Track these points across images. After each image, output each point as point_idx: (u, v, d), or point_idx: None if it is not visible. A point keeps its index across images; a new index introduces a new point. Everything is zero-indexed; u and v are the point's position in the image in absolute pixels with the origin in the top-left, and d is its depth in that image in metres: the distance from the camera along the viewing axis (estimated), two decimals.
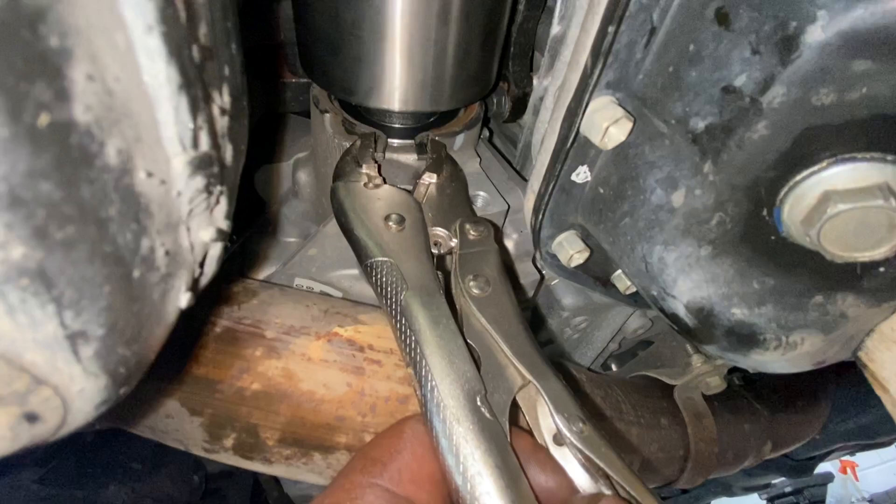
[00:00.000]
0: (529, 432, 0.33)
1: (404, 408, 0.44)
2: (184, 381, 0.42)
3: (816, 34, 0.26)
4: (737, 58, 0.29)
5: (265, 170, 0.67)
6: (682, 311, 0.40)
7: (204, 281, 0.27)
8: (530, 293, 0.62)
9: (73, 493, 0.86)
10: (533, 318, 0.67)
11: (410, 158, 0.53)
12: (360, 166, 0.47)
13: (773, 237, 0.34)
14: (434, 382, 0.31)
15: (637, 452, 0.61)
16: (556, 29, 0.48)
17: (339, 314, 0.47)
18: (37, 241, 0.17)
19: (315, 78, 0.54)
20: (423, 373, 0.31)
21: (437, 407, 0.30)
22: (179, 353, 0.42)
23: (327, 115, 0.54)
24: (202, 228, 0.24)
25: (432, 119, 0.57)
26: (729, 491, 1.44)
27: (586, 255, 0.47)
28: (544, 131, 0.45)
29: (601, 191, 0.43)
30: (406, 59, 0.47)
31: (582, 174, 0.43)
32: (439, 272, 0.40)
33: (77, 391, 0.19)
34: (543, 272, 0.60)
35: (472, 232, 0.44)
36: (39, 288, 0.17)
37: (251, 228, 0.66)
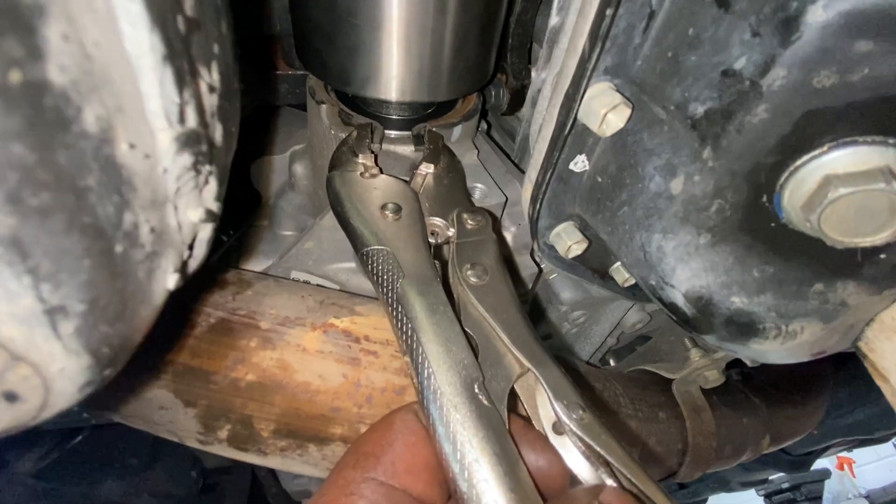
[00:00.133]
0: (528, 421, 0.33)
1: (400, 399, 0.43)
2: (178, 372, 0.42)
3: (818, 14, 0.26)
4: (736, 40, 0.29)
5: (261, 162, 0.67)
6: (680, 301, 0.39)
7: (193, 264, 0.27)
8: (528, 286, 0.62)
9: (69, 488, 0.86)
10: (531, 312, 0.67)
11: (407, 150, 0.53)
12: (357, 156, 0.47)
13: (772, 224, 0.34)
14: (431, 369, 0.31)
15: (636, 445, 0.61)
16: (554, 20, 0.47)
17: (335, 305, 0.47)
18: (9, 207, 0.16)
19: (311, 68, 0.54)
20: (420, 360, 0.31)
21: (434, 394, 0.30)
22: (173, 343, 0.42)
23: (323, 105, 0.54)
24: (190, 208, 0.23)
25: (430, 110, 0.57)
26: (727, 486, 1.44)
27: (584, 245, 0.47)
28: (542, 121, 0.45)
29: (599, 180, 0.42)
30: (403, 48, 0.46)
31: (580, 163, 0.42)
32: (436, 261, 0.39)
33: (58, 370, 0.19)
34: (542, 265, 0.60)
35: (469, 221, 0.43)
36: (13, 257, 0.17)
37: (247, 222, 0.66)
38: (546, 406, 0.32)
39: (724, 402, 0.74)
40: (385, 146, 0.52)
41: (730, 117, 0.31)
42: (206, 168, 0.23)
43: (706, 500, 1.61)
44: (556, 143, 0.41)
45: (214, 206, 0.25)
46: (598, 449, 0.29)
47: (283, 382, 0.42)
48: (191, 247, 0.25)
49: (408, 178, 0.48)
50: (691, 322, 0.40)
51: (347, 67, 0.49)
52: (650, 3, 0.33)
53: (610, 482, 0.29)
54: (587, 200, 0.45)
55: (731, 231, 0.36)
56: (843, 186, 0.28)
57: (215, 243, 0.28)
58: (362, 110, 0.55)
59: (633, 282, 0.49)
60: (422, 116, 0.56)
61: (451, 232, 0.43)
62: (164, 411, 0.43)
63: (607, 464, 0.29)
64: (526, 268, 0.59)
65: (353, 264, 0.54)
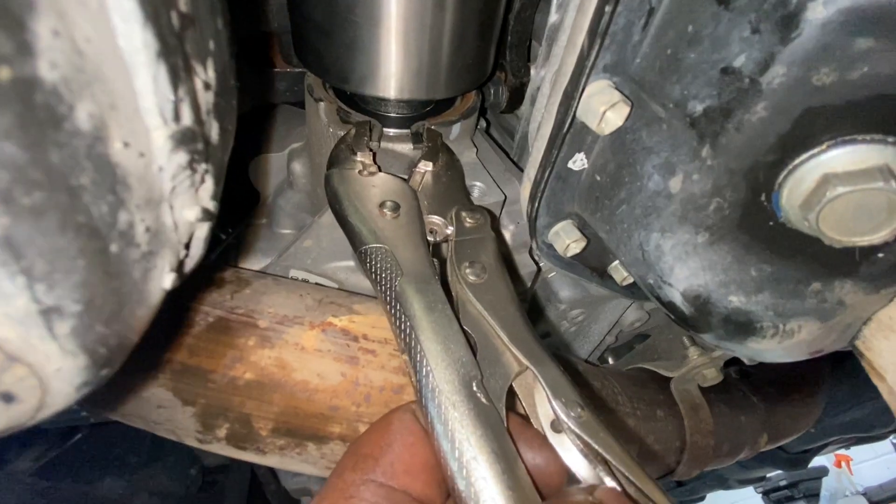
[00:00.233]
0: (526, 419, 0.33)
1: (399, 397, 0.43)
2: (176, 371, 0.42)
3: (818, 11, 0.26)
4: (736, 37, 0.29)
5: (259, 160, 0.66)
6: (678, 300, 0.39)
7: (190, 263, 0.27)
8: (527, 285, 0.62)
9: (69, 486, 0.86)
10: (530, 311, 0.67)
11: (406, 148, 0.53)
12: (355, 154, 0.47)
13: (771, 223, 0.34)
14: (429, 368, 0.30)
15: (634, 443, 0.61)
16: (553, 17, 0.47)
17: (334, 304, 0.46)
18: (2, 207, 0.16)
19: (309, 66, 0.54)
20: (419, 358, 0.31)
21: (433, 392, 0.30)
22: (171, 342, 0.41)
23: (322, 103, 0.54)
24: (187, 207, 0.23)
25: (428, 108, 0.56)
26: (724, 484, 1.45)
27: (583, 244, 0.47)
28: (541, 119, 0.45)
29: (598, 178, 0.42)
30: (401, 45, 0.46)
31: (578, 161, 0.42)
32: (435, 259, 0.39)
33: (54, 370, 0.19)
34: (540, 264, 0.60)
35: (468, 219, 0.43)
36: (7, 257, 0.16)
37: (246, 220, 0.65)
38: (544, 404, 0.32)
39: (722, 401, 0.74)
40: (383, 144, 0.52)
41: (729, 115, 0.31)
42: (202, 166, 0.23)
43: (704, 497, 1.62)
44: (555, 142, 0.41)
45: (211, 205, 0.25)
46: (596, 447, 0.29)
47: (282, 381, 0.42)
48: (187, 246, 0.25)
49: (406, 177, 0.48)
50: (689, 321, 0.40)
51: (346, 65, 0.48)
52: (649, 0, 0.32)
53: (608, 480, 0.29)
54: (586, 199, 0.44)
55: (730, 230, 0.36)
56: (841, 185, 0.28)
57: (213, 242, 0.28)
58: (361, 108, 0.54)
59: (631, 280, 0.49)
60: (420, 114, 0.55)
61: (450, 230, 0.43)
62: (162, 410, 0.43)
63: (605, 462, 0.29)
64: (524, 266, 0.59)
65: (351, 263, 0.54)
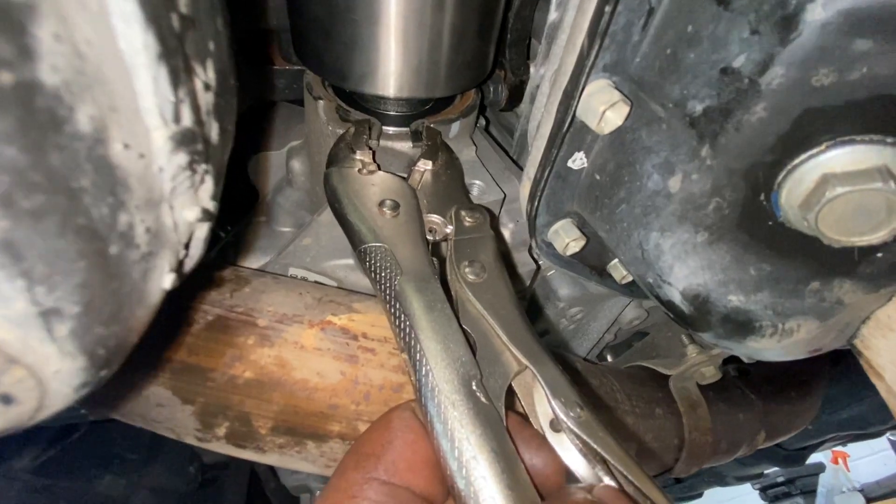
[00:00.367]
0: (525, 418, 0.33)
1: (398, 396, 0.44)
2: (175, 370, 0.42)
3: (817, 12, 0.26)
4: (735, 38, 0.29)
5: (258, 158, 0.66)
6: (678, 299, 0.39)
7: (190, 264, 0.27)
8: (527, 283, 0.62)
9: (67, 484, 0.86)
10: (529, 309, 0.67)
11: (405, 146, 0.53)
12: (354, 152, 0.46)
13: (770, 223, 0.34)
14: (428, 367, 0.31)
15: (632, 440, 0.61)
16: (553, 15, 0.47)
17: (333, 302, 0.46)
18: (2, 210, 0.16)
19: (308, 64, 0.53)
20: (418, 357, 0.31)
21: (432, 391, 0.30)
22: (170, 341, 0.42)
23: (321, 101, 0.54)
24: (187, 208, 0.23)
25: (427, 106, 0.56)
26: (722, 481, 1.46)
27: (582, 243, 0.47)
28: (540, 118, 0.45)
29: (597, 177, 0.42)
30: (401, 43, 0.46)
31: (578, 160, 0.42)
32: (434, 258, 0.39)
33: (53, 372, 0.19)
34: (540, 262, 0.60)
35: (467, 218, 0.43)
36: (7, 260, 0.16)
37: (245, 218, 0.65)
38: (543, 403, 0.32)
39: (721, 398, 0.75)
40: (383, 142, 0.52)
41: (728, 115, 0.31)
42: (202, 167, 0.23)
43: (702, 494, 1.63)
44: (555, 141, 0.41)
45: (211, 205, 0.25)
46: (595, 447, 0.30)
47: (281, 380, 0.42)
48: (187, 246, 0.25)
49: (406, 175, 0.48)
50: (688, 320, 0.40)
51: (345, 63, 0.48)
52: (649, 0, 0.32)
53: (607, 480, 0.29)
54: (585, 198, 0.44)
55: (729, 229, 0.36)
56: (840, 185, 0.28)
57: (213, 240, 0.28)
58: (360, 106, 0.54)
59: (630, 279, 0.49)
60: (420, 113, 0.55)
61: (449, 229, 0.43)
62: (161, 409, 0.43)
63: (604, 461, 0.30)
64: (524, 264, 0.59)
65: (350, 261, 0.54)
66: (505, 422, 0.30)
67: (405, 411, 0.31)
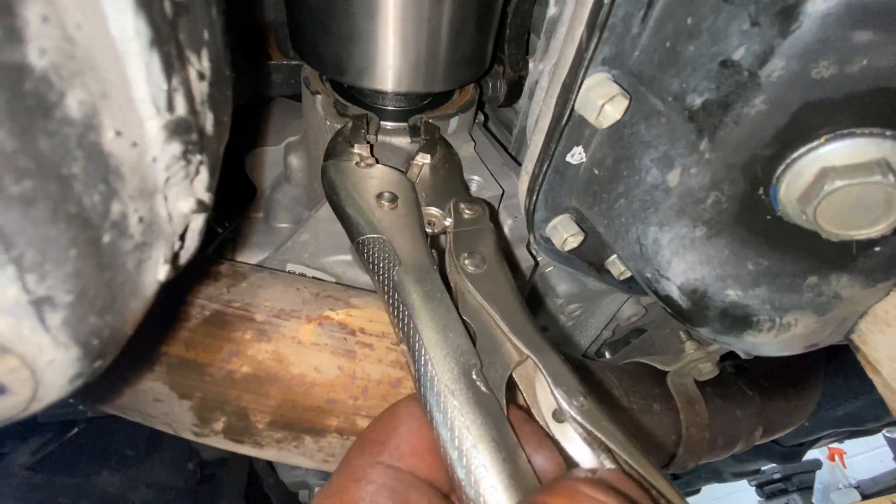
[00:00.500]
0: (527, 410, 0.33)
1: (396, 391, 0.43)
2: (172, 365, 0.42)
3: (817, 4, 0.25)
4: (735, 30, 0.29)
5: (256, 154, 0.66)
6: (675, 293, 0.39)
7: (185, 255, 0.26)
8: (525, 279, 0.62)
9: (65, 480, 0.86)
10: (527, 305, 0.67)
11: (403, 141, 0.53)
12: (352, 146, 0.46)
13: (768, 217, 0.34)
14: (428, 356, 0.30)
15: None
16: (552, 10, 0.47)
17: (331, 297, 0.46)
18: None
19: (306, 58, 0.53)
20: (417, 347, 0.31)
21: (432, 381, 0.30)
22: (167, 335, 0.41)
23: (318, 96, 0.53)
24: (181, 198, 0.23)
25: (426, 101, 0.56)
26: (719, 477, 1.46)
27: (580, 238, 0.47)
28: (539, 112, 0.45)
29: (596, 172, 0.42)
30: (399, 37, 0.46)
31: (576, 155, 0.42)
32: (433, 251, 0.39)
33: (47, 362, 0.18)
34: (538, 258, 0.60)
35: (466, 211, 0.43)
36: None
37: (243, 214, 0.65)
38: (546, 394, 0.32)
39: (718, 394, 0.75)
40: (381, 137, 0.52)
41: (727, 109, 0.31)
42: (197, 157, 0.23)
43: (699, 490, 1.63)
44: (553, 135, 0.41)
45: (206, 197, 0.25)
46: (599, 435, 0.29)
47: (279, 375, 0.42)
48: (182, 237, 0.25)
49: (404, 170, 0.47)
50: (686, 314, 0.40)
51: (343, 57, 0.48)
52: None
53: (608, 465, 0.29)
54: (584, 193, 0.44)
55: (727, 224, 0.36)
56: (839, 179, 0.28)
57: (210, 235, 0.28)
58: (358, 101, 0.54)
59: (628, 275, 0.49)
60: (418, 107, 0.55)
61: (448, 221, 0.43)
62: (159, 404, 0.43)
63: (609, 450, 0.29)
64: (522, 260, 0.59)
65: (348, 257, 0.54)
66: (506, 412, 0.30)
67: (411, 401, 0.32)
